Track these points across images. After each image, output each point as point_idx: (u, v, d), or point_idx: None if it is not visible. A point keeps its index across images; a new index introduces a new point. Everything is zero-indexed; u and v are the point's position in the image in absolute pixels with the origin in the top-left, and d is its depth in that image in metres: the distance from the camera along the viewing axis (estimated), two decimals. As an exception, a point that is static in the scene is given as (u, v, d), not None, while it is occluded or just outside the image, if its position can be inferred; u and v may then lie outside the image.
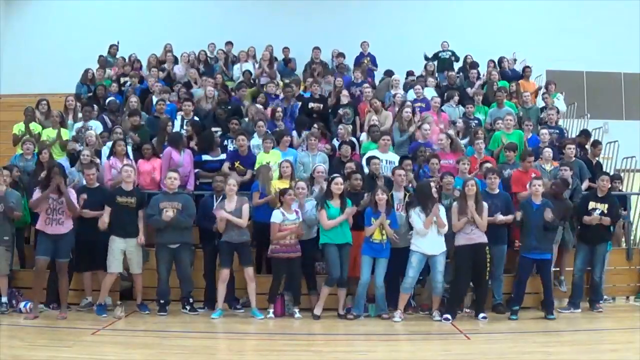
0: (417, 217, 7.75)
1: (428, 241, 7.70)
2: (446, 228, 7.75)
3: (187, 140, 9.67)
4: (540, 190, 7.92)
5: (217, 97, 11.45)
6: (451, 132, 10.03)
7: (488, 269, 7.81)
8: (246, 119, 10.70)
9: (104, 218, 7.81)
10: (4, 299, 7.88)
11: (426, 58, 13.75)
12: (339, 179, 7.94)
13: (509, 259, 8.44)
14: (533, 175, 8.69)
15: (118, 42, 13.96)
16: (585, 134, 10.91)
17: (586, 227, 8.31)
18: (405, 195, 8.14)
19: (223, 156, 9.51)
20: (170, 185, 8.03)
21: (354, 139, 10.30)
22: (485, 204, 7.81)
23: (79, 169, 8.78)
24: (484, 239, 7.75)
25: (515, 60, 13.49)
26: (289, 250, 7.80)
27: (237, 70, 13.32)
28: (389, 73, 13.09)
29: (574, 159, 9.37)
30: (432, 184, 8.03)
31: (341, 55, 13.73)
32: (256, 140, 9.79)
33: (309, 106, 11.08)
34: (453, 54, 13.82)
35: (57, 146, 9.83)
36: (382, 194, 7.71)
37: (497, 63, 13.23)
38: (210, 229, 8.06)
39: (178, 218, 7.86)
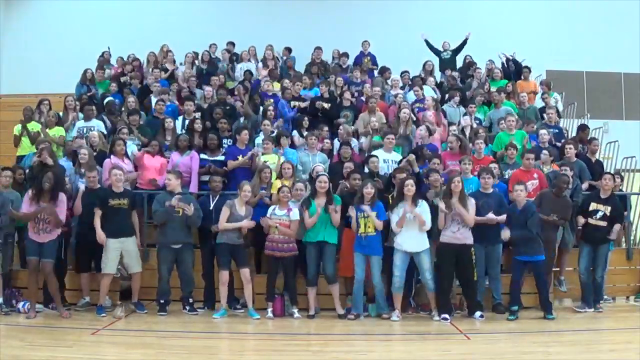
0: (395, 215, 7.75)
1: (409, 238, 7.68)
2: (427, 226, 7.69)
3: (191, 142, 9.63)
4: (523, 196, 7.91)
5: (216, 98, 11.46)
6: (452, 128, 10.03)
7: (475, 270, 7.81)
8: (241, 119, 10.71)
9: (96, 222, 7.78)
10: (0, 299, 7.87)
11: (427, 42, 13.77)
12: (324, 177, 7.97)
13: (508, 259, 8.44)
14: (535, 175, 8.66)
15: (109, 48, 13.86)
16: (582, 128, 10.92)
17: (588, 227, 8.29)
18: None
19: (222, 157, 9.50)
20: (169, 186, 8.07)
21: (355, 140, 10.32)
22: (472, 200, 7.80)
23: (77, 170, 8.78)
24: (469, 240, 7.74)
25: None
26: (276, 248, 7.82)
27: (239, 71, 13.31)
28: (406, 73, 13.20)
29: (574, 159, 9.36)
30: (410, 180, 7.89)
31: (345, 55, 13.73)
32: (260, 139, 9.79)
33: (316, 105, 11.10)
34: (454, 52, 13.82)
35: (57, 146, 9.82)
36: (371, 187, 7.72)
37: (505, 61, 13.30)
38: (208, 228, 8.07)
39: (191, 217, 7.89)
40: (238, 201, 7.96)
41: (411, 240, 7.69)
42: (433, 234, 7.83)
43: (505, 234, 7.89)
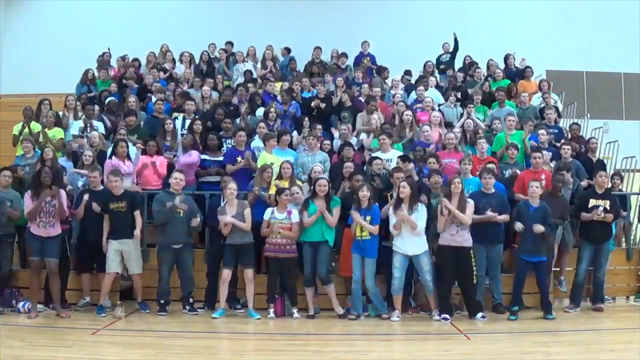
0: (393, 217, 7.75)
1: (407, 241, 7.68)
2: (419, 229, 7.63)
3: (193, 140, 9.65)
4: (538, 193, 7.86)
5: (215, 98, 11.44)
6: (456, 131, 10.05)
7: (475, 272, 7.75)
8: (237, 120, 10.70)
9: (105, 226, 7.90)
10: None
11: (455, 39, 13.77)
12: (323, 181, 7.95)
13: (509, 258, 8.44)
14: (543, 176, 8.63)
15: (109, 49, 13.87)
16: (574, 125, 10.92)
17: (588, 225, 8.26)
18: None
19: (222, 158, 9.51)
20: (175, 185, 8.08)
21: (355, 138, 10.31)
22: (471, 201, 7.78)
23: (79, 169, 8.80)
24: (468, 242, 7.71)
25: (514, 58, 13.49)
26: (278, 250, 7.83)
27: (236, 71, 13.30)
28: (408, 72, 13.24)
29: (571, 159, 9.34)
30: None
31: (344, 55, 13.71)
32: (257, 142, 9.75)
33: (311, 104, 11.08)
34: (452, 54, 13.83)
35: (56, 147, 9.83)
36: (366, 190, 7.72)
37: (504, 60, 13.30)
38: (217, 228, 8.05)
39: (196, 227, 8.00)
40: (227, 204, 7.95)
41: (410, 243, 7.68)
42: (430, 234, 7.83)
43: (538, 228, 7.68)
